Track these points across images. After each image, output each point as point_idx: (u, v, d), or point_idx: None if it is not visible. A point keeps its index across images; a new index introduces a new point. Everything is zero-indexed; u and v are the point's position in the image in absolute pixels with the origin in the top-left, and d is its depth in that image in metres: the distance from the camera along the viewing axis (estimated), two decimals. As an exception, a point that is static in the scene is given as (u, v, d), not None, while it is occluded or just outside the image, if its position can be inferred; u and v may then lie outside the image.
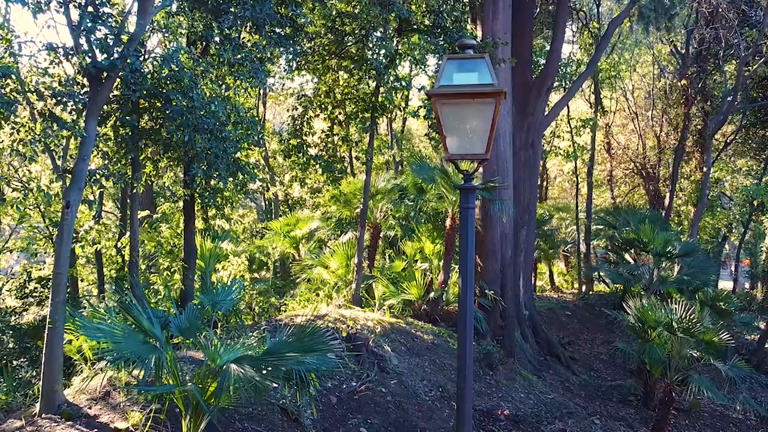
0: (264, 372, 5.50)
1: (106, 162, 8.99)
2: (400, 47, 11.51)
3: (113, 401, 7.50)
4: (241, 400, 7.86)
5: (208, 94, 8.52)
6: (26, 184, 10.98)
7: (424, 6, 11.47)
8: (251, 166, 10.20)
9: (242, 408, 7.94)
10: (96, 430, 6.87)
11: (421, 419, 9.48)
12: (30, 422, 6.79)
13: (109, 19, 7.71)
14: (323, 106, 12.26)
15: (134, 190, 8.66)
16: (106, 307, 8.25)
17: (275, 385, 5.69)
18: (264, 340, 6.48)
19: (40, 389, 7.26)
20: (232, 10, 8.80)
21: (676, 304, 10.86)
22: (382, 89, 11.57)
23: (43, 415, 7.03)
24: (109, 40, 7.51)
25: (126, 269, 11.53)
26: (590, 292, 20.18)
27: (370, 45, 11.71)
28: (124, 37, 7.57)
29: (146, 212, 11.54)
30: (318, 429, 8.36)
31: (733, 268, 28.17)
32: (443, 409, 9.99)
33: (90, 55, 7.42)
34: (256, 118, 12.36)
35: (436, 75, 5.00)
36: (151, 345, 5.50)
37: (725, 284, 26.46)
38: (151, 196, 15.06)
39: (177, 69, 7.90)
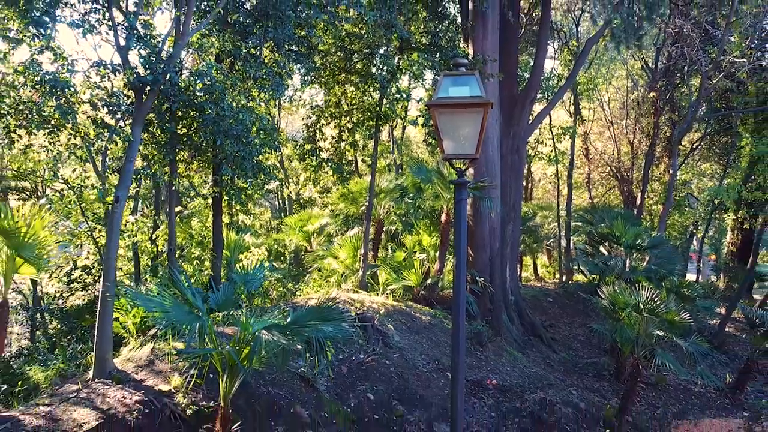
0: (289, 337, 5.99)
1: (146, 163, 9.44)
2: (400, 63, 11.80)
3: (156, 368, 7.94)
4: (266, 369, 8.35)
5: (235, 104, 8.93)
6: (69, 184, 11.43)
7: (422, 27, 11.84)
8: (271, 168, 10.62)
9: (267, 375, 8.41)
10: (143, 391, 7.32)
11: (420, 387, 9.93)
12: (85, 386, 7.23)
13: (151, 40, 8.10)
14: (333, 115, 12.62)
15: (172, 188, 9.09)
16: (157, 284, 8.70)
17: (299, 346, 6.06)
18: (287, 314, 6.94)
19: (93, 358, 7.64)
20: (256, 31, 9.24)
21: (643, 289, 11.24)
22: (384, 100, 11.91)
23: (96, 380, 7.43)
24: (151, 58, 7.89)
25: (159, 259, 11.97)
26: (570, 282, 20.42)
27: (375, 62, 12.02)
28: (163, 54, 7.99)
29: (179, 208, 11.94)
30: (331, 393, 8.83)
31: (699, 262, 28.57)
32: (439, 379, 10.42)
33: (135, 71, 7.79)
34: (276, 126, 12.75)
35: (433, 88, 5.47)
36: (195, 314, 5.97)
37: (692, 277, 26.79)
38: (178, 194, 15.47)
39: (210, 83, 8.33)
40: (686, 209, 25.50)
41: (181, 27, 8.24)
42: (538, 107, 18.13)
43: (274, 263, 13.63)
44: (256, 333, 5.96)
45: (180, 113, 8.85)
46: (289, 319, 6.40)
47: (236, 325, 6.58)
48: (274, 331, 5.97)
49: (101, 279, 7.75)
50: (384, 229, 14.36)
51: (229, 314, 7.19)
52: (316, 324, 6.28)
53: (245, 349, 6.18)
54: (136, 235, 11.94)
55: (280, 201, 20.48)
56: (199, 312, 6.06)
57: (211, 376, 7.79)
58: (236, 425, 6.82)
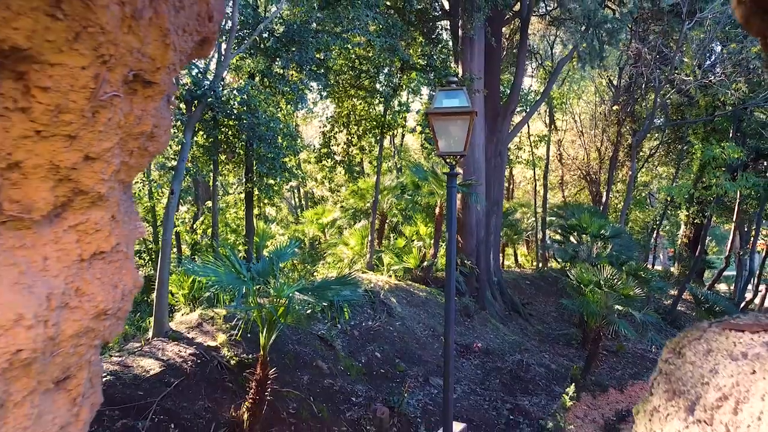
0: (316, 297, 6.71)
1: (193, 162, 10.14)
2: (401, 81, 12.45)
3: (204, 329, 8.64)
4: (293, 330, 9.07)
5: (267, 114, 9.63)
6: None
7: (419, 51, 12.49)
8: (293, 168, 11.33)
9: (293, 336, 9.13)
10: (194, 346, 8.03)
11: (418, 349, 10.65)
12: (147, 343, 7.91)
13: (200, 63, 8.79)
14: (345, 124, 13.29)
15: (215, 183, 9.80)
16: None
17: (324, 304, 6.76)
18: (312, 282, 7.65)
19: (152, 321, 8.32)
20: (283, 55, 9.93)
21: (604, 271, 11.95)
22: (388, 112, 12.59)
23: (155, 339, 8.10)
24: (200, 77, 8.58)
25: (200, 244, 12.65)
26: (545, 268, 21.10)
27: (380, 79, 12.64)
28: (209, 74, 8.70)
29: (209, 202, 12.65)
30: (346, 352, 9.55)
31: (660, 253, 29.27)
32: (434, 343, 11.15)
33: (186, 87, 8.48)
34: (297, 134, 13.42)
35: (429, 102, 6.12)
36: (242, 279, 6.68)
37: (657, 267, 27.43)
38: (209, 190, 16.14)
39: (247, 97, 9.04)
40: (647, 207, 26.16)
41: (224, 52, 8.94)
42: (517, 118, 18.79)
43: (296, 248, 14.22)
44: (290, 294, 6.67)
45: (222, 121, 9.53)
46: (315, 284, 7.13)
47: (270, 293, 7.25)
48: (304, 293, 6.70)
49: (158, 259, 8.40)
50: (387, 221, 14.92)
51: (265, 283, 7.87)
52: (337, 288, 6.99)
53: (280, 308, 6.90)
54: (177, 226, 12.63)
55: (297, 198, 21.18)
56: (244, 278, 6.77)
57: (249, 335, 8.48)
58: (272, 370, 7.54)
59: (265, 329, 7.00)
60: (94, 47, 1.17)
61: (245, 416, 6.85)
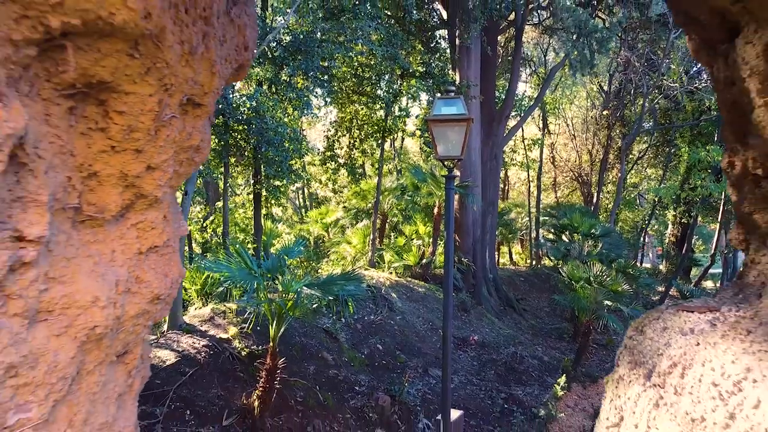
0: (322, 292, 6.93)
1: (205, 165, 10.34)
2: (401, 88, 12.66)
3: (216, 322, 8.84)
4: (300, 324, 9.28)
5: (275, 120, 9.82)
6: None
7: (419, 59, 12.71)
8: (299, 170, 11.53)
9: (300, 329, 9.34)
10: (207, 338, 8.23)
11: (417, 341, 10.86)
12: (162, 335, 8.10)
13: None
14: (348, 128, 13.50)
15: (226, 185, 10.00)
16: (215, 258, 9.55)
17: (330, 298, 6.98)
18: (318, 278, 7.87)
19: (167, 315, 8.52)
20: (290, 63, 10.13)
21: (594, 268, 12.15)
22: (389, 117, 12.82)
23: (170, 331, 8.29)
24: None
25: (210, 243, 12.86)
26: (539, 265, 21.31)
27: (381, 86, 12.86)
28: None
29: (220, 203, 12.86)
30: (349, 344, 9.77)
31: (649, 251, 29.47)
32: (432, 336, 11.37)
33: None
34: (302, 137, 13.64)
35: (428, 107, 6.29)
36: (253, 275, 6.89)
37: (646, 264, 27.66)
38: (218, 191, 16.33)
39: (256, 103, 9.24)
40: (637, 207, 26.37)
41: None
42: (512, 122, 19.00)
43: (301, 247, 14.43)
44: (298, 289, 6.89)
45: (232, 126, 9.72)
46: (321, 280, 7.36)
47: (278, 289, 7.47)
48: (312, 287, 6.92)
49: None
50: (388, 221, 15.13)
51: (274, 279, 8.09)
52: (342, 283, 7.21)
53: (289, 302, 7.11)
54: (189, 225, 12.86)
55: (302, 199, 21.40)
56: (255, 273, 6.99)
57: (258, 328, 8.70)
58: (281, 361, 7.76)
59: (274, 322, 7.22)
60: (160, 78, 1.40)
61: (256, 403, 7.06)
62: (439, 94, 12.10)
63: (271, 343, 7.32)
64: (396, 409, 8.67)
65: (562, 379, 10.35)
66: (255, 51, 1.97)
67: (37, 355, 1.39)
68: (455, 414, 7.41)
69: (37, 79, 1.18)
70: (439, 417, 6.69)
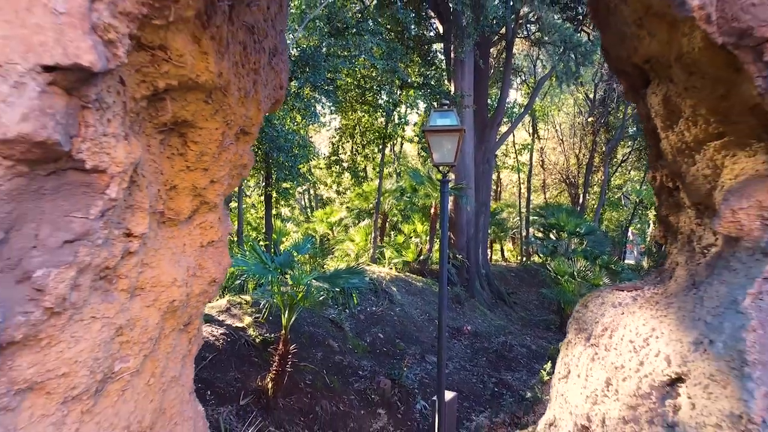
0: (330, 284, 7.34)
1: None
2: (401, 97, 13.11)
3: (232, 312, 9.22)
4: (308, 314, 9.67)
5: (285, 127, 10.20)
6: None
7: (417, 71, 13.11)
8: (306, 174, 11.91)
9: (308, 319, 9.74)
10: (224, 327, 8.61)
11: (415, 331, 11.27)
12: (184, 324, 8.51)
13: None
14: (351, 135, 13.89)
15: (241, 187, 10.40)
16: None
17: (337, 289, 7.39)
18: (326, 273, 8.29)
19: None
20: (299, 75, 10.51)
21: (578, 264, 12.55)
22: (389, 124, 13.23)
23: (191, 321, 8.70)
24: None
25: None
26: (529, 261, 21.73)
27: (382, 96, 13.30)
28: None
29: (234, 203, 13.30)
30: (353, 332, 10.17)
31: (633, 249, 29.81)
32: (429, 326, 11.77)
33: None
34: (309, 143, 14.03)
35: (425, 114, 6.60)
36: (268, 269, 7.30)
37: (629, 262, 28.01)
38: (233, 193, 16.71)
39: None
40: (621, 207, 26.72)
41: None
42: (504, 128, 19.38)
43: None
44: (308, 282, 7.31)
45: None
46: (328, 274, 7.77)
47: (288, 282, 7.86)
48: (320, 280, 7.33)
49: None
50: (388, 220, 15.55)
51: (284, 273, 8.49)
52: (347, 277, 7.62)
53: (300, 294, 7.53)
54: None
55: (307, 199, 21.84)
56: (269, 268, 7.40)
57: (271, 318, 9.09)
58: (292, 347, 8.17)
59: (286, 312, 7.63)
60: (224, 117, 1.81)
61: (269, 385, 7.46)
62: (435, 106, 12.50)
63: (283, 331, 7.73)
64: (396, 392, 9.08)
65: (548, 366, 10.74)
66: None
67: (134, 320, 1.80)
68: (449, 395, 7.81)
69: (143, 122, 1.58)
70: (435, 398, 7.10)
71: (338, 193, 18.37)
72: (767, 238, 1.43)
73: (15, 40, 1.18)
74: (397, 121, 12.84)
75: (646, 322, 1.73)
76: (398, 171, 17.53)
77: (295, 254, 8.55)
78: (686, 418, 1.51)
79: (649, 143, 1.92)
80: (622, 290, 1.99)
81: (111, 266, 1.62)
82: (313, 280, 7.27)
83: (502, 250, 23.84)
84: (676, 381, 1.58)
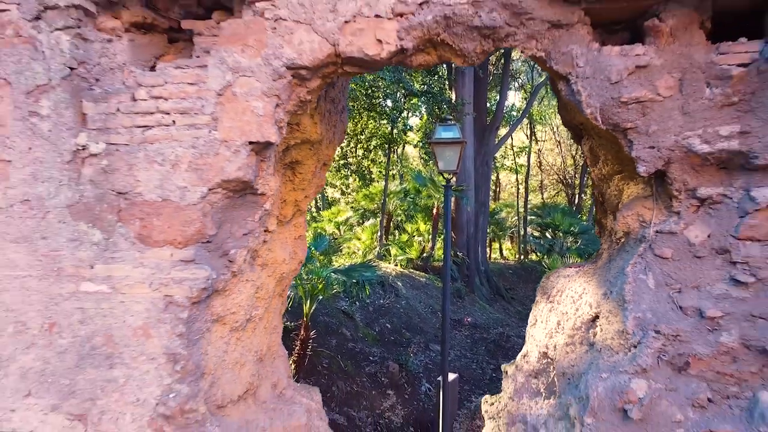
0: (346, 276, 8.45)
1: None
2: (405, 105, 14.18)
3: (254, 304, 10.34)
4: (323, 307, 10.78)
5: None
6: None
7: (420, 80, 14.18)
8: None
9: (323, 310, 10.85)
10: (249, 316, 9.72)
11: (420, 322, 12.39)
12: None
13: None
14: (358, 140, 14.95)
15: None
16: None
17: (351, 282, 8.51)
18: (342, 267, 9.41)
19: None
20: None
21: (571, 261, 13.63)
22: (394, 130, 14.31)
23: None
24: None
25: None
26: (526, 259, 22.85)
27: (388, 104, 14.37)
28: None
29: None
30: (363, 323, 11.29)
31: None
32: (432, 318, 12.89)
33: None
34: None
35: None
36: (292, 264, 8.43)
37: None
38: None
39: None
40: (616, 207, 27.74)
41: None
42: (503, 131, 20.44)
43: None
44: (327, 274, 8.44)
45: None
46: (344, 268, 8.90)
47: (303, 276, 8.92)
48: (338, 273, 8.47)
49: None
50: (392, 220, 16.63)
51: (304, 267, 9.58)
52: (361, 270, 8.76)
53: (320, 285, 8.66)
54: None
55: (315, 199, 22.86)
56: (293, 262, 8.53)
57: (289, 308, 10.20)
58: (312, 332, 9.30)
59: (308, 301, 8.77)
60: (317, 157, 2.95)
61: (292, 367, 8.60)
62: (437, 111, 13.56)
63: (304, 319, 8.86)
64: (403, 375, 10.20)
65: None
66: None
67: (263, 284, 2.94)
68: (451, 376, 8.96)
69: (278, 163, 2.70)
70: (439, 378, 8.22)
71: (343, 193, 19.43)
72: (641, 232, 2.55)
73: (236, 129, 2.30)
74: (401, 127, 13.90)
75: (581, 285, 2.86)
76: (401, 173, 18.61)
77: (313, 250, 9.68)
78: (599, 338, 2.64)
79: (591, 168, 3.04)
80: (571, 267, 3.11)
81: (257, 249, 2.76)
82: (332, 273, 8.40)
83: (500, 249, 24.92)
84: (594, 318, 2.70)
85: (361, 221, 17.64)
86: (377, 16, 2.20)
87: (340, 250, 15.92)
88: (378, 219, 15.37)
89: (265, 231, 2.77)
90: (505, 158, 24.35)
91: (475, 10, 2.17)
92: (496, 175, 25.22)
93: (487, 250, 21.41)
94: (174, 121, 2.35)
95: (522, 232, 23.51)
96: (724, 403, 2.40)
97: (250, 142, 2.32)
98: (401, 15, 2.20)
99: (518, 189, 24.70)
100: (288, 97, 2.35)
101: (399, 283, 13.47)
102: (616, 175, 2.77)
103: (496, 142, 17.80)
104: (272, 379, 3.13)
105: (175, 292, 2.38)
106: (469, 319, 13.18)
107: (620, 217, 2.64)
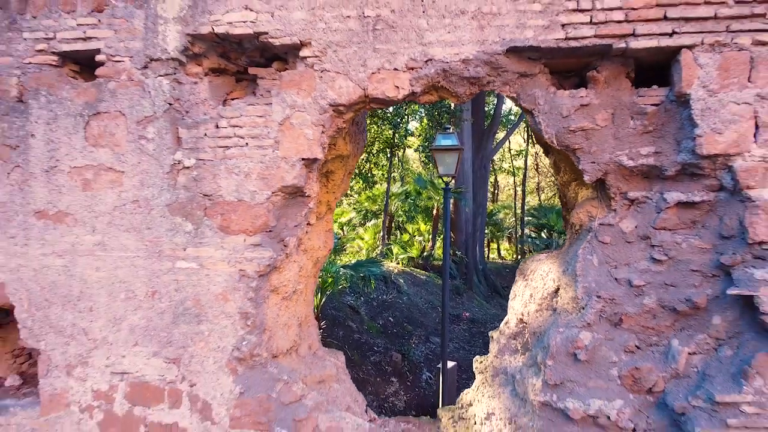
0: (354, 271, 9.37)
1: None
2: (406, 111, 15.15)
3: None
4: (330, 301, 11.69)
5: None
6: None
7: (421, 88, 15.18)
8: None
9: (330, 305, 11.76)
10: (263, 309, 10.64)
11: (420, 317, 13.30)
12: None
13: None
14: (361, 144, 15.90)
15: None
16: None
17: (357, 277, 9.43)
18: (350, 263, 10.34)
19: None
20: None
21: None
22: (396, 135, 15.27)
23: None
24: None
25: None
26: (523, 259, 23.72)
27: (390, 109, 15.34)
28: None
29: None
30: (368, 316, 12.21)
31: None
32: (432, 312, 13.81)
33: None
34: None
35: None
36: (304, 259, 9.38)
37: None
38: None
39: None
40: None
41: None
42: (500, 134, 21.43)
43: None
44: (337, 270, 9.37)
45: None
46: (352, 264, 9.83)
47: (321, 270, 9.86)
48: (347, 268, 9.39)
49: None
50: (394, 220, 17.61)
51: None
52: (368, 266, 9.69)
53: (330, 279, 9.58)
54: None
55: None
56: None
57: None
58: (322, 323, 10.22)
59: (318, 295, 9.69)
60: (346, 167, 3.89)
61: (304, 354, 9.50)
62: (437, 116, 14.50)
63: (316, 310, 9.78)
64: (405, 364, 11.12)
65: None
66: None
67: (303, 265, 3.87)
68: (450, 364, 9.87)
69: (317, 172, 3.64)
70: (439, 366, 9.12)
71: (346, 195, 20.38)
72: (589, 224, 3.47)
73: (292, 149, 3.23)
74: (402, 132, 14.85)
75: (547, 266, 3.80)
76: (402, 176, 19.56)
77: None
78: (559, 304, 3.57)
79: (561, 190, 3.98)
80: (542, 253, 4.04)
81: (301, 238, 3.69)
82: (341, 269, 9.33)
83: (498, 249, 25.91)
84: (556, 289, 3.63)
85: (363, 222, 18.60)
86: (395, 69, 3.14)
87: (344, 250, 16.85)
88: (380, 219, 16.30)
89: (307, 224, 3.70)
90: (503, 161, 25.32)
91: (465, 66, 3.11)
92: (494, 177, 26.18)
93: (486, 250, 22.37)
94: (247, 143, 3.28)
95: (519, 233, 24.47)
96: (648, 349, 3.31)
97: (303, 159, 3.25)
98: (412, 68, 3.14)
99: (515, 191, 25.66)
100: (329, 126, 3.28)
101: (401, 280, 14.39)
102: (573, 181, 3.71)
103: (494, 146, 18.74)
104: (308, 341, 4.06)
105: (246, 267, 3.31)
106: (467, 314, 14.09)
107: (575, 213, 3.58)
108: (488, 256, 22.99)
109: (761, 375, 2.91)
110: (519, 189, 25.78)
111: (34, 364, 4.20)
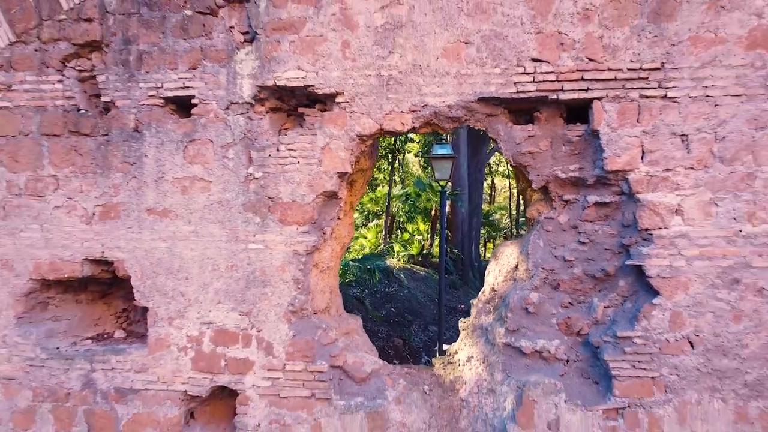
0: (362, 263, 10.89)
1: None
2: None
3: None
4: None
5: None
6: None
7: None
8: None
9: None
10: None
11: (419, 308, 14.86)
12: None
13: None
14: (365, 149, 17.44)
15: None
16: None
17: (369, 267, 11.00)
18: (358, 257, 11.89)
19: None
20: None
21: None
22: (398, 141, 16.81)
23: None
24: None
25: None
26: (519, 259, 25.29)
27: (391, 117, 16.90)
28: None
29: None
30: (372, 307, 13.76)
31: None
32: (430, 304, 15.37)
33: None
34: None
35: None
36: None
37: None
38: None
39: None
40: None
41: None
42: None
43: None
44: (347, 263, 10.92)
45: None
46: (360, 258, 11.38)
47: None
48: (355, 261, 10.95)
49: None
50: (395, 220, 19.13)
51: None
52: (374, 259, 11.23)
53: (340, 271, 11.13)
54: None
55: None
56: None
57: (311, 293, 12.66)
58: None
59: (330, 284, 11.24)
60: (365, 177, 5.47)
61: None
62: (436, 143, 16.01)
63: (326, 298, 11.29)
64: (406, 349, 12.68)
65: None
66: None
67: (334, 248, 5.45)
68: (446, 347, 11.34)
69: (345, 181, 5.20)
70: (435, 348, 10.67)
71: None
72: (538, 218, 5.01)
73: (330, 166, 4.79)
74: (403, 137, 16.40)
75: (512, 249, 5.37)
76: (403, 179, 21.14)
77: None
78: (518, 275, 5.14)
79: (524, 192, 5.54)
80: (509, 240, 5.61)
81: (333, 228, 5.26)
82: (350, 262, 10.89)
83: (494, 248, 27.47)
84: (516, 265, 5.20)
85: (366, 222, 20.16)
86: (401, 111, 4.71)
87: (348, 248, 18.40)
88: (382, 220, 17.86)
89: (338, 218, 5.26)
90: (499, 164, 26.93)
91: (449, 109, 4.68)
92: (491, 179, 27.76)
93: (482, 249, 23.90)
94: (299, 161, 4.85)
95: (515, 233, 26.02)
96: (577, 304, 4.87)
97: (338, 172, 4.82)
98: (413, 111, 4.71)
99: (511, 193, 27.24)
100: (356, 149, 4.86)
101: (402, 275, 15.97)
102: (528, 188, 5.29)
103: (488, 150, 20.32)
104: (335, 306, 5.63)
105: (298, 248, 4.87)
106: (462, 307, 15.65)
107: (529, 210, 5.15)
108: (485, 255, 24.52)
109: (646, 318, 4.47)
110: (515, 191, 27.36)
111: (131, 323, 5.76)
